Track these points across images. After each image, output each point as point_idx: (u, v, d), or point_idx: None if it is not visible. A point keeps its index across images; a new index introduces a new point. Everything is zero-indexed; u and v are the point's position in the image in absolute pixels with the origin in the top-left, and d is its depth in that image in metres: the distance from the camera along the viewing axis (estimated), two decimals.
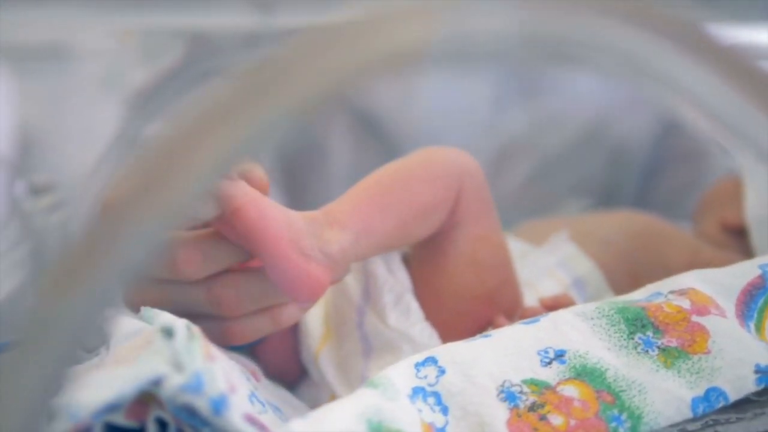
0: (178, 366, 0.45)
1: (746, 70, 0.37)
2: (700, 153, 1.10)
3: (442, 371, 0.54)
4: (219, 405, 0.44)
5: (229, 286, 0.57)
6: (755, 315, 0.57)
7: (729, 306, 0.57)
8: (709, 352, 0.54)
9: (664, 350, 0.54)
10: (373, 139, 1.06)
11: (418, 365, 0.54)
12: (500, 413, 0.52)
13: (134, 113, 0.99)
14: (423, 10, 0.34)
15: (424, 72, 0.98)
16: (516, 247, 0.74)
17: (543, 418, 0.51)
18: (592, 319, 0.56)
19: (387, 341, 0.63)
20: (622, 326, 0.55)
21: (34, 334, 0.34)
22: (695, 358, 0.54)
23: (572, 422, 0.51)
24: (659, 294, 0.59)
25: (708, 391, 0.52)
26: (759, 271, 0.58)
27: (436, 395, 0.53)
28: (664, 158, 1.13)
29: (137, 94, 1.01)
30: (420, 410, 0.51)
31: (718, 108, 0.36)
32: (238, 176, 0.56)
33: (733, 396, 0.53)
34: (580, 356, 0.54)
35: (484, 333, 0.58)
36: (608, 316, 0.56)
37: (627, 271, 0.76)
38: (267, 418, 0.52)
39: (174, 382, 0.44)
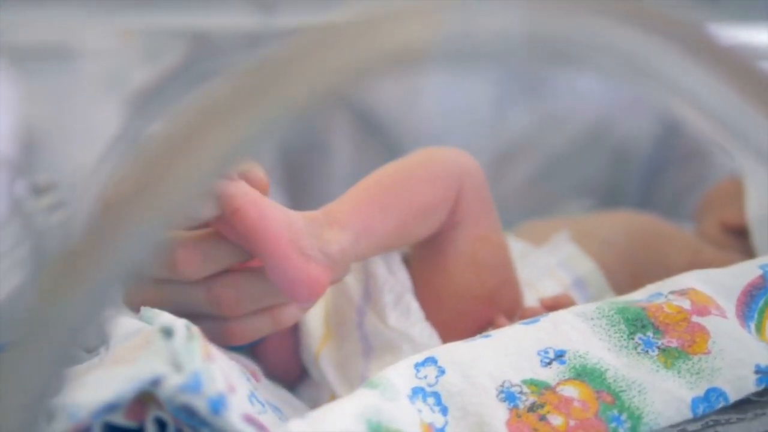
0: (176, 366, 0.45)
1: (746, 71, 0.37)
2: (703, 153, 1.09)
3: (441, 371, 0.54)
4: (217, 405, 0.44)
5: (229, 286, 0.57)
6: (756, 315, 0.57)
7: (729, 306, 0.57)
8: (709, 353, 0.54)
9: (664, 350, 0.54)
10: (375, 139, 1.06)
11: (418, 365, 0.54)
12: (500, 413, 0.51)
13: (135, 113, 0.99)
14: (425, 9, 0.34)
15: (427, 72, 0.98)
16: (516, 247, 0.74)
17: (543, 418, 0.51)
18: (592, 319, 0.56)
19: (387, 341, 0.63)
20: (622, 326, 0.55)
21: (32, 334, 0.34)
22: (695, 358, 0.54)
23: (572, 422, 0.51)
24: (659, 294, 0.59)
25: (708, 392, 0.52)
26: (759, 272, 0.58)
27: (436, 395, 0.53)
28: (666, 158, 1.13)
29: (138, 94, 1.01)
30: (419, 410, 0.51)
31: (717, 109, 0.36)
32: (238, 176, 0.56)
33: (734, 396, 0.53)
34: (580, 356, 0.54)
35: (484, 333, 0.58)
36: (608, 316, 0.56)
37: (628, 271, 0.75)
38: (266, 418, 0.52)
39: (173, 382, 0.44)
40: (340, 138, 1.05)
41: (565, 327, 0.56)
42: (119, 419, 0.46)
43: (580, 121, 1.09)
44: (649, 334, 0.55)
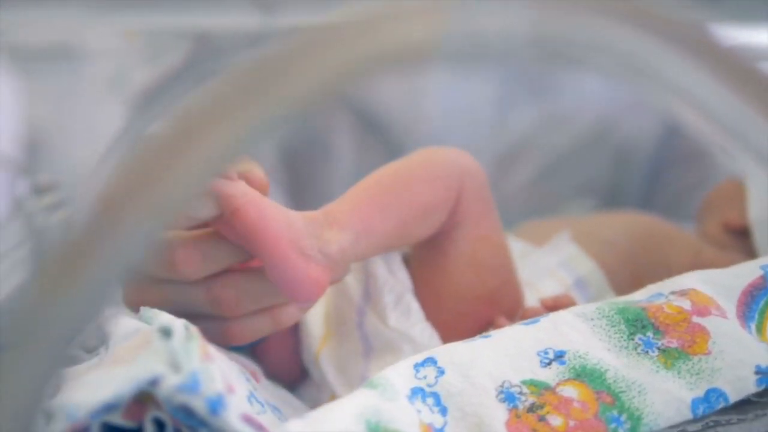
0: (175, 366, 0.45)
1: (746, 72, 0.37)
2: (705, 154, 1.09)
3: (441, 372, 0.54)
4: (216, 405, 0.44)
5: (229, 286, 0.57)
6: (756, 316, 0.56)
7: (730, 307, 0.57)
8: (709, 353, 0.54)
9: (664, 351, 0.54)
10: (377, 139, 1.06)
11: (418, 366, 0.54)
12: (499, 414, 0.51)
13: (137, 113, 0.99)
14: (428, 8, 0.34)
15: (429, 71, 0.97)
16: (516, 246, 0.74)
17: (542, 418, 0.51)
18: (592, 319, 0.56)
19: (387, 341, 0.63)
20: (623, 327, 0.55)
21: (29, 333, 0.34)
22: (695, 359, 0.53)
23: (571, 423, 0.51)
24: (660, 295, 0.59)
25: (708, 392, 0.52)
26: (760, 272, 0.58)
27: (435, 396, 0.52)
28: (669, 159, 1.13)
29: (140, 94, 1.01)
30: (419, 411, 0.51)
31: (717, 110, 0.36)
32: (238, 176, 0.56)
33: (734, 397, 0.53)
34: (579, 357, 0.54)
35: (484, 333, 0.58)
36: (608, 316, 0.56)
37: (629, 271, 0.75)
38: (266, 419, 0.52)
39: (171, 382, 0.44)
40: (342, 138, 1.05)
41: (565, 327, 0.56)
42: (117, 419, 0.46)
43: (582, 121, 1.09)
44: (649, 334, 0.55)
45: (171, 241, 0.56)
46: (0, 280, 0.65)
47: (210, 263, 0.57)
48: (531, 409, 0.52)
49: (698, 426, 0.52)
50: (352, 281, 0.65)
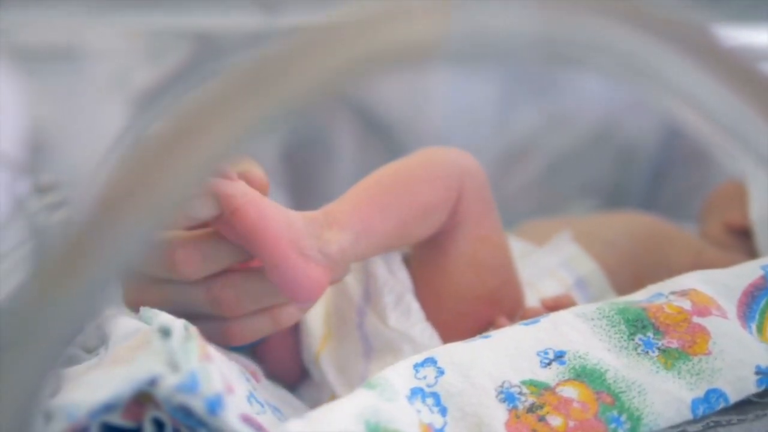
0: (173, 366, 0.45)
1: (747, 73, 0.36)
2: (708, 154, 1.09)
3: (441, 372, 0.53)
4: (214, 405, 0.44)
5: (228, 286, 0.57)
6: (757, 316, 0.56)
7: (730, 307, 0.57)
8: (709, 354, 0.54)
9: (664, 351, 0.54)
10: (379, 139, 1.06)
11: (417, 366, 0.54)
12: (499, 414, 0.51)
13: (139, 113, 0.99)
14: (432, 8, 0.34)
15: (432, 71, 0.97)
16: (517, 246, 0.74)
17: (542, 419, 0.51)
18: (592, 320, 0.56)
19: (387, 342, 0.63)
20: (623, 327, 0.55)
21: (26, 332, 0.34)
22: (695, 359, 0.53)
23: (571, 423, 0.51)
24: (660, 295, 0.59)
25: (708, 393, 0.52)
26: (761, 272, 0.58)
27: (435, 396, 0.52)
28: (671, 159, 1.13)
29: (143, 94, 1.02)
30: (418, 411, 0.51)
31: (717, 110, 0.36)
32: (237, 176, 0.56)
33: (734, 397, 0.52)
34: (579, 357, 0.54)
35: (484, 334, 0.58)
36: (609, 316, 0.56)
37: (630, 272, 0.75)
38: (265, 419, 0.52)
39: (169, 382, 0.44)
40: (344, 138, 1.05)
41: (565, 327, 0.56)
42: (117, 419, 0.46)
43: (585, 121, 1.09)
44: (650, 334, 0.55)
45: (171, 241, 0.56)
46: (0, 280, 0.66)
47: (210, 263, 0.57)
48: (531, 409, 0.52)
49: (698, 426, 0.52)
50: (352, 281, 0.65)
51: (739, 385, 0.53)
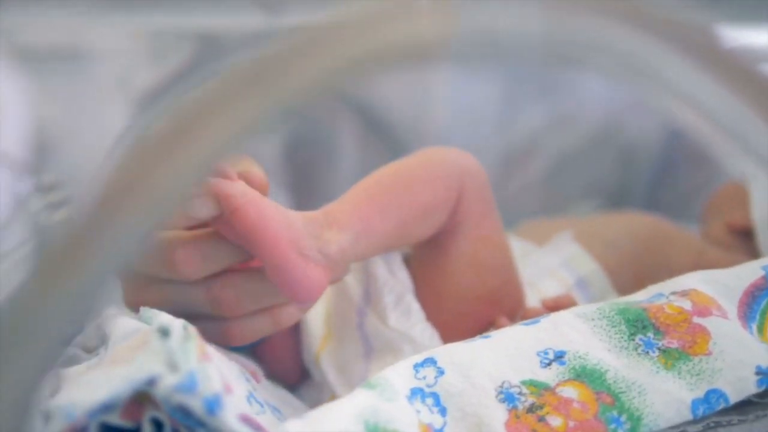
0: (172, 366, 0.45)
1: (747, 74, 0.36)
2: (710, 155, 1.09)
3: (441, 372, 0.53)
4: (213, 405, 0.44)
5: (228, 286, 0.57)
6: (757, 316, 0.56)
7: (731, 307, 0.56)
8: (710, 354, 0.53)
9: (664, 351, 0.54)
10: (381, 138, 1.05)
11: (417, 366, 0.54)
12: (499, 414, 0.51)
13: (142, 113, 0.99)
14: (437, 8, 0.34)
15: (435, 71, 0.97)
16: (517, 246, 0.74)
17: (542, 419, 0.51)
18: (592, 320, 0.56)
19: (388, 342, 0.63)
20: (623, 327, 0.55)
21: (24, 329, 0.35)
22: (696, 359, 0.53)
23: (571, 423, 0.51)
24: (661, 295, 0.58)
25: (708, 393, 0.52)
26: (762, 273, 0.58)
27: (435, 396, 0.52)
28: (674, 160, 1.13)
29: (145, 94, 1.02)
30: (418, 411, 0.51)
31: (717, 111, 0.36)
32: (237, 176, 0.56)
33: (734, 398, 0.52)
34: (579, 357, 0.54)
35: (485, 334, 0.58)
36: (609, 317, 0.56)
37: (631, 272, 0.75)
38: (265, 419, 0.52)
39: (168, 382, 0.44)
40: (346, 137, 1.05)
41: (565, 328, 0.56)
42: (115, 419, 0.46)
43: (588, 121, 1.09)
44: (650, 335, 0.55)
45: (171, 241, 0.56)
46: (2, 279, 0.66)
47: (210, 263, 0.57)
48: (531, 409, 0.51)
49: (698, 427, 0.52)
50: (352, 281, 0.65)
51: (740, 386, 0.52)
